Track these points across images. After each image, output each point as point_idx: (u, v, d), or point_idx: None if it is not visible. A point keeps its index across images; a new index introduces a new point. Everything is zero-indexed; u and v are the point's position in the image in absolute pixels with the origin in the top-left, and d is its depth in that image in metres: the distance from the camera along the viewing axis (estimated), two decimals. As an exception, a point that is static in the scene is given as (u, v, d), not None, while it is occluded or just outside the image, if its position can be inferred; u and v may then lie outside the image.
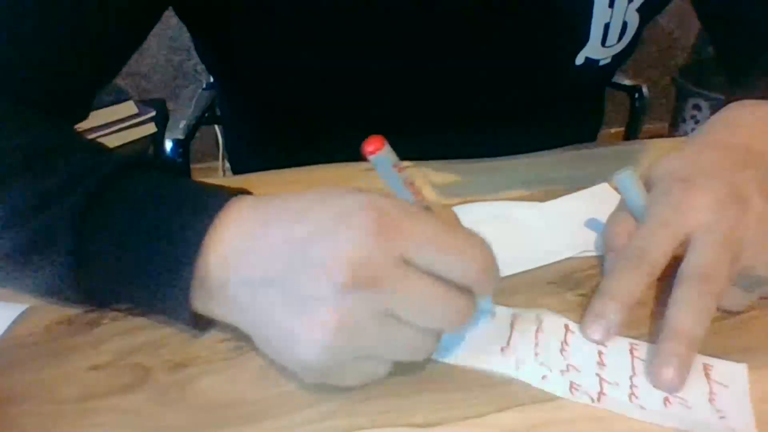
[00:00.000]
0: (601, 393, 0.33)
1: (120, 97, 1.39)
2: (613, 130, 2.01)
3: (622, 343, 0.36)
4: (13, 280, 0.39)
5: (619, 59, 0.56)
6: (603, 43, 0.53)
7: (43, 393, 0.34)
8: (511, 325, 0.37)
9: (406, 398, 0.33)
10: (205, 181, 0.38)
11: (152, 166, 0.38)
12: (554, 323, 0.37)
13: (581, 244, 0.44)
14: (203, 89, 1.09)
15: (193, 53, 1.80)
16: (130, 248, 0.34)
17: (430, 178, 0.53)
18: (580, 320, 0.37)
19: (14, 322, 0.38)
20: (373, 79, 0.54)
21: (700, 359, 0.35)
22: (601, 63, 0.55)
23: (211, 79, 1.09)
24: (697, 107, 1.97)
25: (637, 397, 0.33)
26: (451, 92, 0.56)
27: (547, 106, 0.61)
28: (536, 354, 0.35)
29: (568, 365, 0.34)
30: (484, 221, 0.46)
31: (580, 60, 0.54)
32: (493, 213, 0.47)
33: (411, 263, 0.30)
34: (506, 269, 0.41)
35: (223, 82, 0.73)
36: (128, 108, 1.41)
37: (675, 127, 2.09)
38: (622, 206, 0.42)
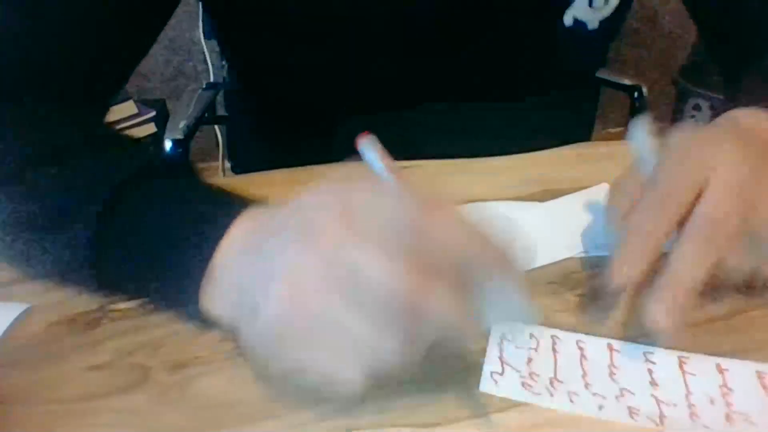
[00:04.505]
0: (662, 416, 0.32)
1: (120, 97, 1.40)
2: (613, 130, 2.02)
3: (671, 358, 0.35)
4: (33, 257, 0.40)
5: (607, 28, 0.57)
6: (590, 3, 0.54)
7: (43, 393, 0.34)
8: (553, 350, 0.36)
9: (406, 398, 0.33)
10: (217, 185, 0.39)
11: (170, 169, 0.40)
12: (597, 346, 0.36)
13: (581, 244, 0.44)
14: (203, 89, 1.09)
15: (194, 53, 1.80)
16: (153, 242, 0.36)
17: (430, 178, 0.53)
18: (587, 323, 0.37)
19: (14, 322, 0.38)
20: (373, 66, 0.55)
21: (754, 366, 0.34)
22: (589, 27, 0.56)
23: (212, 79, 1.09)
24: (697, 107, 1.97)
25: (698, 417, 0.32)
26: (443, 60, 0.57)
27: (541, 79, 0.62)
28: (587, 384, 0.34)
29: (621, 389, 0.33)
30: (484, 221, 0.46)
31: (568, 20, 0.55)
32: (493, 213, 0.47)
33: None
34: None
35: (236, 73, 0.73)
36: (128, 108, 1.42)
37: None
38: (634, 167, 0.40)
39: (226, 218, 0.35)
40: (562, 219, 0.47)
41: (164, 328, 0.37)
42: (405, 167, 0.53)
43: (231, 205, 0.36)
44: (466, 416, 0.32)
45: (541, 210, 0.48)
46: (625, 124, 1.25)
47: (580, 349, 0.36)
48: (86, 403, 0.33)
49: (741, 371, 0.34)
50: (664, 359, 0.35)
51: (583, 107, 0.75)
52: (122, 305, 0.39)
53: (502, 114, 0.63)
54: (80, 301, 0.40)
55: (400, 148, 0.51)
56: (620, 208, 0.39)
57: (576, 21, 0.55)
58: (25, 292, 0.41)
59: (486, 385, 0.33)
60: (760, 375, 0.33)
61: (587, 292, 0.40)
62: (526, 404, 0.32)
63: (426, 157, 0.55)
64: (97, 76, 0.49)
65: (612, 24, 0.57)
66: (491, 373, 0.34)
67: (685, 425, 0.31)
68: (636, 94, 1.12)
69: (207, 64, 1.65)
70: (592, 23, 0.56)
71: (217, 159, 1.61)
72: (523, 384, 0.34)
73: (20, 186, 0.39)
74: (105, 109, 0.53)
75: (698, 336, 0.36)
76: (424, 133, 0.62)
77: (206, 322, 0.36)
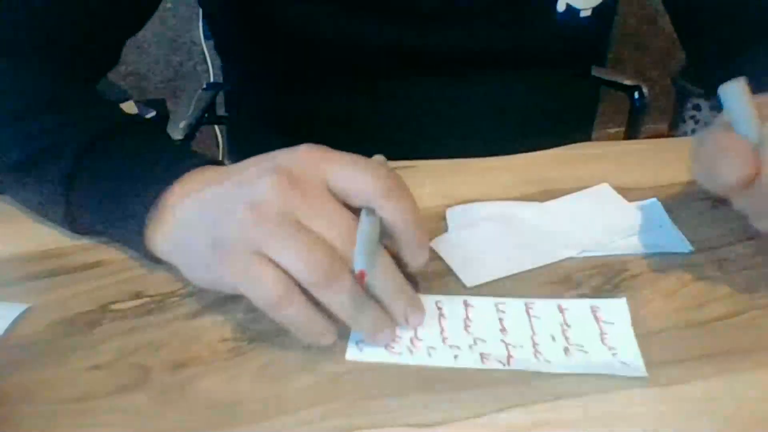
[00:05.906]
0: (509, 356, 0.35)
1: (120, 97, 1.40)
2: (613, 130, 2.02)
3: (518, 305, 0.38)
4: (15, 193, 0.48)
5: (599, 19, 0.59)
6: None
7: (43, 393, 0.34)
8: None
9: (406, 398, 0.33)
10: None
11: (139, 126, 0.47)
12: (453, 304, 0.39)
13: (581, 244, 0.44)
14: (203, 89, 1.09)
15: (194, 53, 1.80)
16: (113, 191, 0.41)
17: (430, 178, 0.53)
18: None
19: (14, 322, 0.38)
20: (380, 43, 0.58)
21: (587, 302, 0.38)
22: (582, 14, 0.58)
23: (212, 79, 1.10)
24: (697, 107, 1.97)
25: (540, 353, 0.35)
26: (436, 41, 0.59)
27: (536, 68, 0.63)
28: (444, 339, 0.36)
29: (475, 339, 0.36)
30: (484, 221, 0.46)
31: (561, 6, 0.57)
32: (493, 213, 0.47)
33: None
34: (506, 269, 0.42)
35: (239, 56, 0.74)
36: (128, 108, 1.41)
37: (675, 127, 2.09)
38: (725, 128, 0.37)
39: (178, 169, 0.40)
40: (562, 219, 0.47)
41: (164, 328, 0.38)
42: (404, 167, 0.53)
43: (188, 159, 0.41)
44: (466, 416, 0.32)
45: (541, 210, 0.48)
46: (625, 124, 1.26)
47: (439, 309, 0.38)
48: (86, 403, 0.33)
49: (578, 308, 0.38)
50: (513, 308, 0.38)
51: (583, 107, 0.75)
52: (122, 305, 0.39)
53: (502, 113, 0.63)
54: (80, 301, 0.40)
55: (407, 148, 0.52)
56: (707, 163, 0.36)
57: (569, 7, 0.57)
58: (25, 292, 0.41)
59: (351, 353, 0.35)
60: (593, 309, 0.38)
61: (587, 292, 0.40)
62: (526, 404, 0.32)
63: (426, 157, 0.55)
64: (88, 42, 0.53)
65: (604, 13, 0.60)
66: (357, 342, 0.36)
67: (528, 363, 0.35)
68: (636, 94, 1.13)
69: (207, 64, 1.66)
70: (585, 11, 0.58)
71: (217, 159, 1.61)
72: (386, 347, 0.36)
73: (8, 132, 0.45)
74: (93, 74, 0.56)
75: (698, 336, 0.36)
76: (424, 134, 0.62)
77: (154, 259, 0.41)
